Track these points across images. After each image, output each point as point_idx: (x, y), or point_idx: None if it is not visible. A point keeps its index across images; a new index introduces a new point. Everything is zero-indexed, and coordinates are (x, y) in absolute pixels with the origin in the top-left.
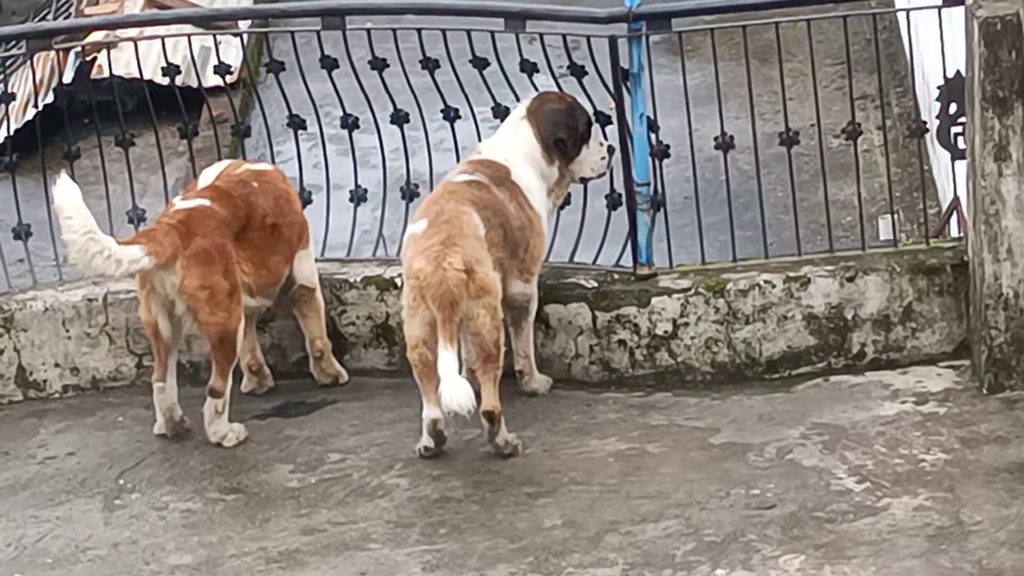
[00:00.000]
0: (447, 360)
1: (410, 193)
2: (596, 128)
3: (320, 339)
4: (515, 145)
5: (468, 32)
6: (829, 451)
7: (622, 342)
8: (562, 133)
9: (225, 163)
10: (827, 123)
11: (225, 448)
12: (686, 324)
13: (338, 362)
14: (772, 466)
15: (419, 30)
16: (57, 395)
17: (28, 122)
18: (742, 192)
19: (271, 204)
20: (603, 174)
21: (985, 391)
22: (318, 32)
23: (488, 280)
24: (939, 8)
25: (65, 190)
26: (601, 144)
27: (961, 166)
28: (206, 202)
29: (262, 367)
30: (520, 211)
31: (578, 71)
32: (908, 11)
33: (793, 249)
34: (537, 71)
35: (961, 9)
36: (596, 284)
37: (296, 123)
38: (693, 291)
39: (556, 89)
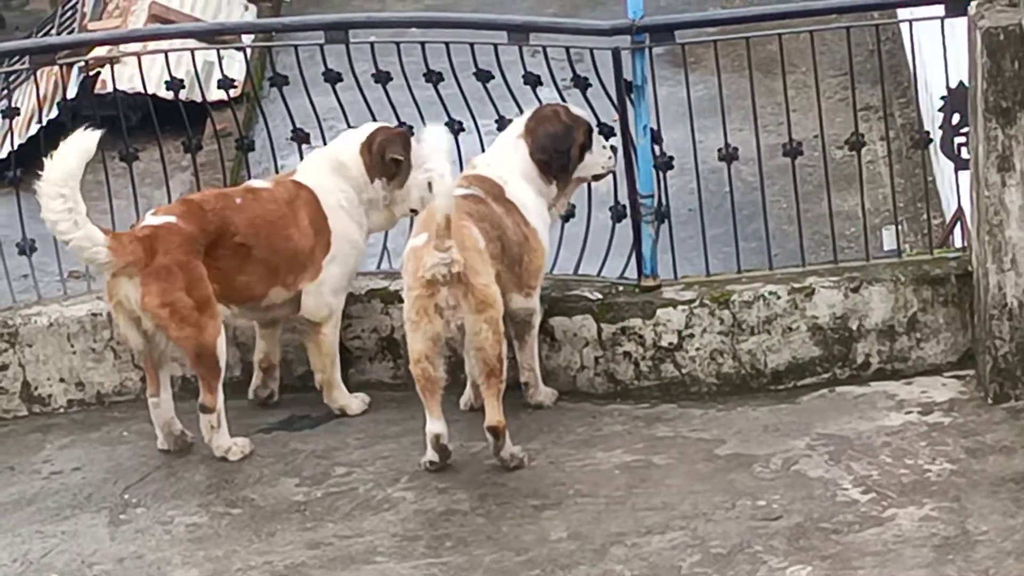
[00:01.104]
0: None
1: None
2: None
3: (321, 373)
4: (511, 162)
5: (471, 45)
6: (835, 462)
7: (627, 354)
8: (546, 157)
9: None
10: (830, 134)
11: (230, 462)
12: (691, 336)
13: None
14: (778, 477)
15: (423, 43)
16: (62, 410)
17: (32, 137)
18: (746, 204)
19: (245, 223)
20: (612, 169)
21: (990, 401)
22: (322, 46)
23: (489, 293)
24: (942, 19)
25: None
26: (604, 146)
27: (965, 176)
28: (172, 219)
29: (272, 367)
30: (517, 227)
31: (582, 83)
32: (911, 22)
33: (797, 260)
34: (541, 84)
35: (963, 20)
36: (601, 296)
37: (300, 137)
38: (698, 303)
39: (560, 101)
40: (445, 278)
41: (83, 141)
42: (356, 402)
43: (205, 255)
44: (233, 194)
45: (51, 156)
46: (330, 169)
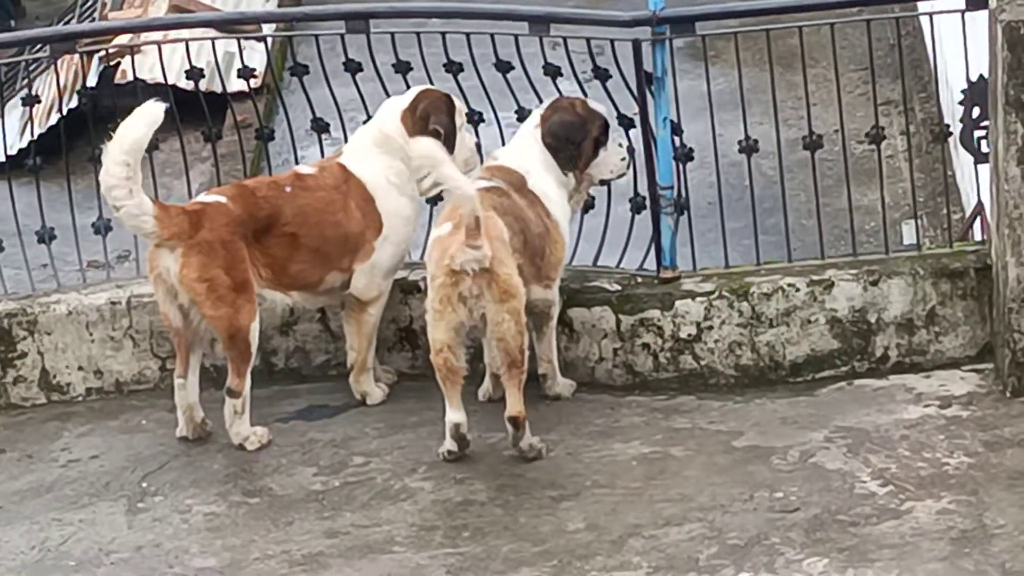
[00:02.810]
0: None
1: (435, 197)
2: (614, 130)
3: (356, 353)
4: (531, 153)
5: (492, 36)
6: (853, 454)
7: (646, 345)
8: (559, 145)
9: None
10: (851, 128)
11: (248, 451)
12: (710, 327)
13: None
14: (796, 469)
15: (443, 34)
16: (80, 398)
17: (52, 127)
18: (766, 197)
19: (294, 212)
20: (623, 175)
21: (1009, 395)
22: (342, 36)
23: (512, 283)
24: (962, 12)
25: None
26: (620, 145)
27: (984, 170)
28: (222, 199)
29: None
30: (539, 219)
31: (602, 75)
32: (931, 15)
33: (816, 254)
34: (561, 75)
35: (984, 13)
36: (620, 287)
37: (320, 127)
38: (717, 294)
39: (580, 94)
40: (475, 272)
41: (152, 111)
42: (378, 392)
43: (256, 242)
44: (283, 182)
45: (118, 125)
46: (375, 145)
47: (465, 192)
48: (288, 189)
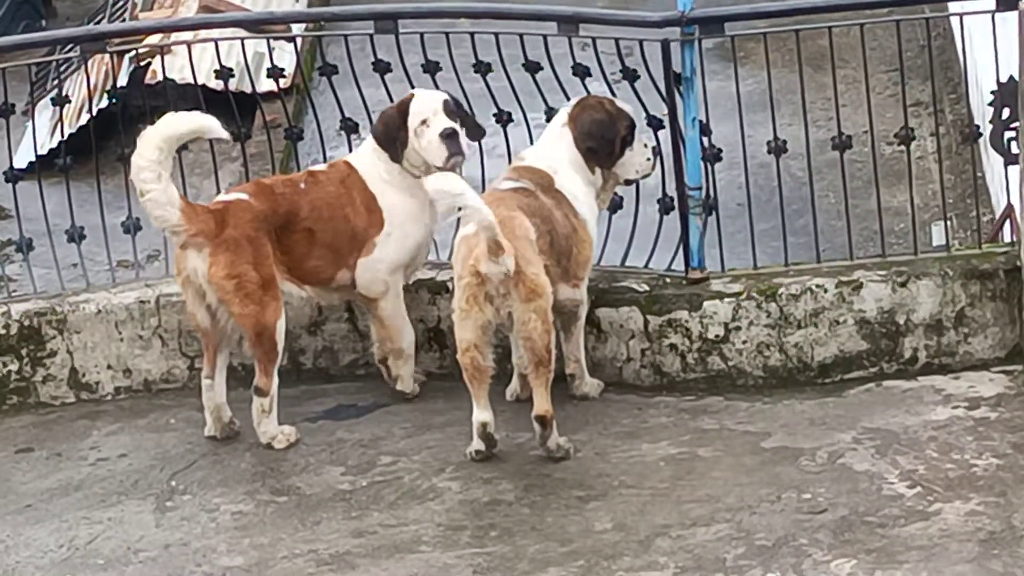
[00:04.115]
0: None
1: None
2: (640, 130)
3: (388, 343)
4: (558, 152)
5: (521, 36)
6: (881, 456)
7: (673, 346)
8: (592, 143)
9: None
10: (880, 130)
11: (276, 450)
12: (738, 328)
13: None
14: (823, 470)
15: (472, 34)
16: (109, 397)
17: (82, 127)
18: (794, 199)
19: (309, 208)
20: (648, 175)
21: None
22: (371, 36)
23: (539, 283)
24: (993, 12)
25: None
26: (646, 145)
27: (1014, 171)
28: (244, 196)
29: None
30: (566, 218)
31: (631, 75)
32: (962, 15)
33: (845, 256)
34: (589, 75)
35: (1015, 14)
36: (648, 288)
37: (349, 127)
38: (745, 295)
39: (608, 94)
40: (500, 280)
41: (208, 122)
42: (410, 381)
43: (276, 239)
44: (297, 179)
45: (148, 125)
46: (375, 144)
47: (484, 219)
48: (302, 186)
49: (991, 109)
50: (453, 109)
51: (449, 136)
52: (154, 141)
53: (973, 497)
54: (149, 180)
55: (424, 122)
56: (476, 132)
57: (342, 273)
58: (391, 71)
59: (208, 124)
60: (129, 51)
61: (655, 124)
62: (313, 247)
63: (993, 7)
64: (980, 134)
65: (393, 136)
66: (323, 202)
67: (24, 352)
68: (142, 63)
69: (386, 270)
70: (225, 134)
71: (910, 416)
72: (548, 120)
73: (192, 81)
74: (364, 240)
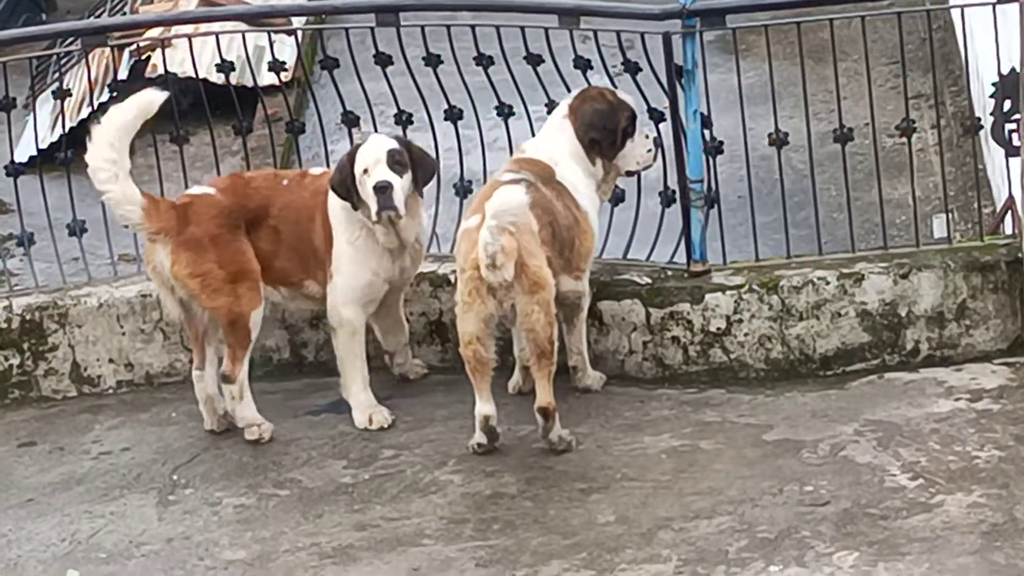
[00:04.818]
0: None
1: (464, 190)
2: (642, 122)
3: (383, 338)
4: (559, 144)
5: (522, 29)
6: (883, 448)
7: (675, 339)
8: (595, 133)
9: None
10: (881, 122)
11: (278, 443)
12: (740, 321)
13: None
14: (826, 463)
15: (473, 27)
16: (111, 391)
17: (83, 120)
18: (796, 191)
19: (280, 207)
20: (649, 167)
21: None
22: (372, 29)
23: (542, 275)
24: (994, 5)
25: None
26: (647, 137)
27: (1015, 163)
28: (211, 191)
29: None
30: (567, 210)
31: (632, 68)
32: (962, 8)
33: (847, 248)
34: (591, 68)
35: (1015, 6)
36: (650, 280)
37: (350, 121)
38: (747, 288)
39: (610, 86)
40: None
41: (147, 97)
42: (375, 419)
43: (249, 232)
44: (284, 176)
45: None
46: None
47: (485, 243)
48: (285, 183)
49: (992, 101)
50: (398, 160)
51: (382, 190)
52: (106, 138)
53: (975, 489)
54: (105, 181)
55: (366, 171)
56: (426, 178)
57: (310, 283)
58: (392, 64)
59: (148, 98)
60: (130, 44)
61: (657, 117)
62: (279, 246)
63: None
64: (981, 126)
65: (347, 185)
66: (295, 206)
67: (26, 346)
68: (143, 56)
69: (339, 302)
70: (163, 95)
71: (912, 408)
72: (549, 113)
73: (193, 75)
74: (323, 261)
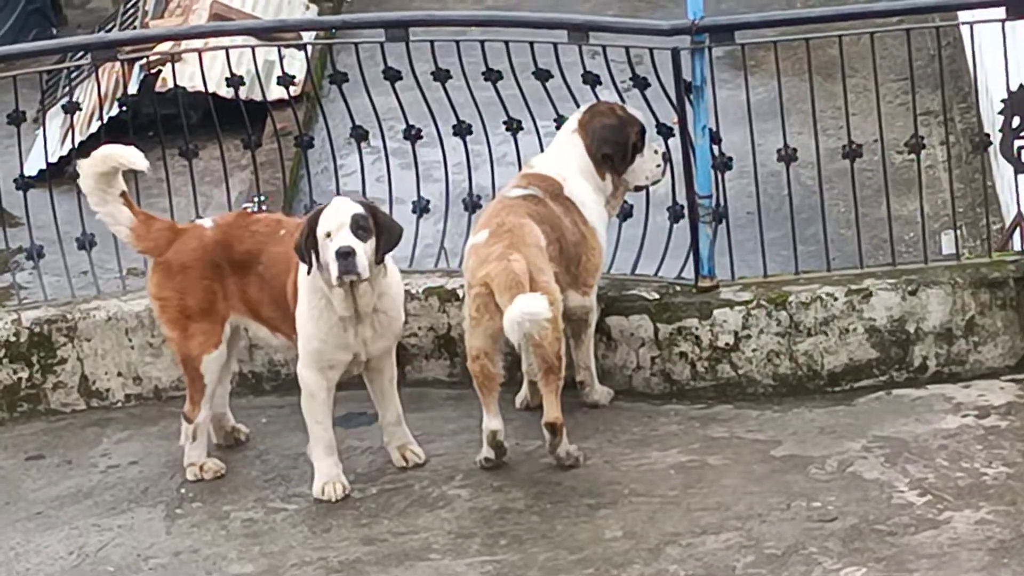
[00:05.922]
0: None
1: (472, 205)
2: (650, 137)
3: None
4: (568, 159)
5: (531, 44)
6: (891, 464)
7: (683, 354)
8: (608, 148)
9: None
10: (890, 139)
11: (286, 457)
12: (748, 336)
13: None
14: (833, 479)
15: (482, 42)
16: (120, 404)
17: (92, 134)
18: (804, 207)
19: (267, 257)
20: (658, 181)
21: None
22: (382, 44)
23: (550, 290)
24: (1003, 21)
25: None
26: (656, 152)
27: None
28: (206, 223)
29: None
30: (575, 226)
31: (641, 84)
32: (971, 24)
33: (855, 264)
34: (600, 83)
35: None
36: (658, 296)
37: (359, 135)
38: (755, 303)
39: (619, 102)
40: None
41: (131, 155)
42: (330, 489)
43: (237, 275)
44: (284, 224)
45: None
46: None
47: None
48: (282, 233)
49: (1001, 118)
50: (363, 225)
51: (344, 256)
52: (87, 173)
53: (983, 506)
54: (96, 203)
55: (328, 235)
56: (390, 246)
57: (292, 335)
58: (402, 79)
59: (123, 155)
60: (140, 59)
61: (665, 132)
62: (264, 295)
63: (1003, 16)
64: (990, 143)
65: (309, 247)
66: (281, 258)
67: (35, 359)
68: (153, 71)
69: (300, 363)
70: (144, 165)
71: (920, 424)
72: (558, 128)
73: (202, 89)
74: (293, 318)
